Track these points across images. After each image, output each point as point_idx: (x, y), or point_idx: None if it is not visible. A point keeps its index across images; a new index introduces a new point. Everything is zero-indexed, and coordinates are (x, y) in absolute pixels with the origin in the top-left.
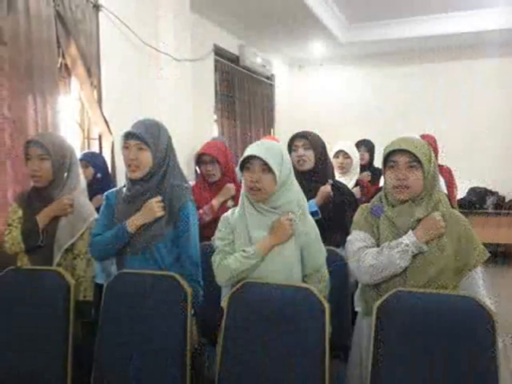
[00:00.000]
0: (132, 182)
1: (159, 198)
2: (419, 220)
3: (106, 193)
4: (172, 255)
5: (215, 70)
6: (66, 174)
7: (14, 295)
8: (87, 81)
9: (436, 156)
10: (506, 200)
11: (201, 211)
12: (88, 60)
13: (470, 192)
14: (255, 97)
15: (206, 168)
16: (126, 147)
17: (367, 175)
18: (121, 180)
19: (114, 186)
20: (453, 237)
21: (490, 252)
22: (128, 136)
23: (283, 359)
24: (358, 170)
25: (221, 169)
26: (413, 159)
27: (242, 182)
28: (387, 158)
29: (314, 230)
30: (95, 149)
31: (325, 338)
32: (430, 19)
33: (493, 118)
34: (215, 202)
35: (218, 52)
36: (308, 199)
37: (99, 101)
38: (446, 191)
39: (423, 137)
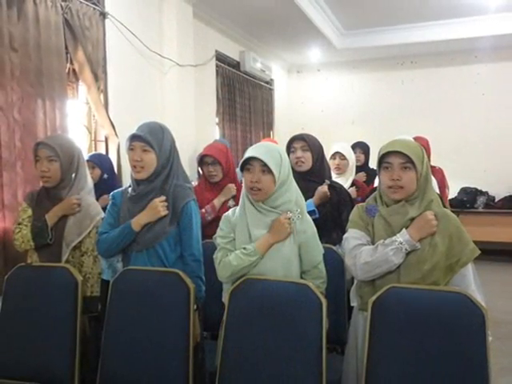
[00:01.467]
0: (137, 182)
1: (163, 197)
2: (412, 219)
3: (112, 193)
4: (175, 253)
5: (217, 75)
6: (73, 175)
7: (24, 291)
8: (94, 85)
9: (428, 157)
10: (496, 200)
11: (203, 210)
12: (95, 65)
13: (461, 192)
14: (255, 101)
15: (208, 169)
16: (131, 149)
17: (363, 176)
18: (126, 180)
19: (120, 186)
20: (445, 235)
21: (480, 249)
22: (133, 138)
23: (282, 353)
24: (354, 170)
25: (222, 170)
26: (406, 160)
27: (243, 182)
28: (382, 159)
29: (312, 229)
30: (102, 150)
31: (322, 332)
32: (424, 26)
33: (484, 122)
34: (217, 202)
35: (220, 58)
36: (306, 199)
37: (106, 104)
38: (438, 191)
39: (416, 139)
